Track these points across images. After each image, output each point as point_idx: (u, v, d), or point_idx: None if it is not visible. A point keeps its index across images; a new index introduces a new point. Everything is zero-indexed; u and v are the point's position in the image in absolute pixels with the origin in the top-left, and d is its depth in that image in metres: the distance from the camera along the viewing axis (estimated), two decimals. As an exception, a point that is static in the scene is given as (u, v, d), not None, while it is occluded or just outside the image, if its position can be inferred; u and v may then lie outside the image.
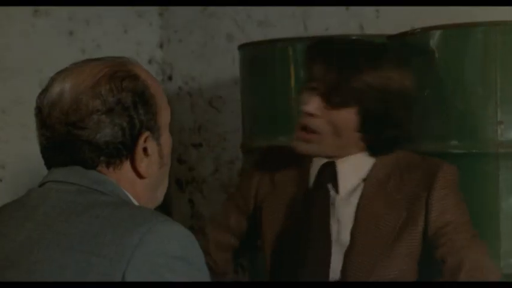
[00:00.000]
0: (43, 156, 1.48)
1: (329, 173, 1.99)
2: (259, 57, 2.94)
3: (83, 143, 1.41)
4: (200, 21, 3.90)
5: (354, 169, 1.98)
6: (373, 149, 1.98)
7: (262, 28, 3.68)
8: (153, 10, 4.04)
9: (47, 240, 1.36)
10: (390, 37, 2.68)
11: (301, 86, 2.02)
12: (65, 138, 1.42)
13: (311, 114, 1.94)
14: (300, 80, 2.85)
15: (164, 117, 1.49)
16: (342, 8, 3.39)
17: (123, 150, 1.43)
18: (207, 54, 3.87)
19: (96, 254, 1.31)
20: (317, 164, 2.02)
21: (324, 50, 1.97)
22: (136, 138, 1.43)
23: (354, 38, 2.15)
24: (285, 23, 3.58)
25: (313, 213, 1.97)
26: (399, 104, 1.93)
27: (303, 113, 1.96)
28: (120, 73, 1.43)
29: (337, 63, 1.91)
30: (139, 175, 1.46)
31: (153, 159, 1.46)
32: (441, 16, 3.02)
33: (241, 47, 3.05)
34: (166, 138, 1.50)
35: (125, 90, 1.42)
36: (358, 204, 1.96)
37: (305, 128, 1.95)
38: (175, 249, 1.33)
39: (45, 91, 1.46)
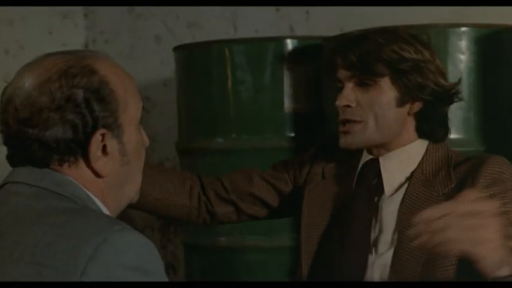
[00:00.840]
0: (7, 153, 1.44)
1: (372, 171, 1.89)
2: (195, 59, 2.96)
3: (33, 141, 1.36)
4: (127, 22, 3.90)
5: (400, 165, 1.88)
6: (423, 128, 1.88)
7: (191, 29, 3.70)
8: (78, 11, 4.02)
9: (1, 250, 1.31)
10: (326, 39, 2.75)
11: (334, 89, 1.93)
12: (17, 136, 1.38)
13: (347, 106, 1.86)
14: (237, 81, 2.90)
15: (130, 113, 1.42)
16: (272, 10, 3.45)
17: (76, 148, 1.37)
18: (134, 55, 3.87)
19: (48, 266, 1.27)
20: (363, 159, 1.92)
21: (339, 46, 1.90)
22: (90, 135, 1.37)
23: (365, 29, 2.00)
24: (214, 25, 3.61)
25: (354, 214, 1.88)
26: (431, 67, 1.84)
27: (339, 108, 1.86)
28: (73, 69, 1.37)
29: (357, 50, 1.83)
30: (97, 174, 1.40)
31: (114, 157, 1.40)
32: (369, 17, 3.12)
33: (177, 49, 3.07)
34: (131, 135, 1.43)
35: (75, 86, 1.36)
36: (402, 203, 1.85)
37: (346, 121, 1.86)
38: (131, 260, 1.28)
39: (8, 85, 1.42)
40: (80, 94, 1.36)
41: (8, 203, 1.38)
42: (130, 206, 1.56)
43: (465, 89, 2.50)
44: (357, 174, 1.93)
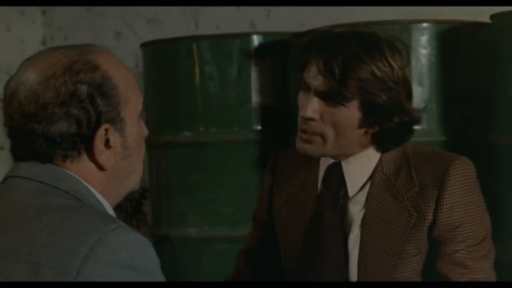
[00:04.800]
0: (10, 146, 1.44)
1: (335, 175, 1.91)
2: (163, 55, 3.03)
3: (38, 136, 1.37)
4: (86, 19, 3.93)
5: (361, 168, 1.90)
6: (380, 143, 1.89)
7: (151, 26, 3.75)
8: (36, 8, 4.04)
9: None
10: (295, 34, 2.85)
11: (297, 88, 1.92)
12: (23, 130, 1.38)
13: (310, 119, 1.84)
14: (205, 76, 2.97)
15: (131, 107, 1.43)
16: (233, 7, 3.52)
17: (80, 142, 1.38)
18: (94, 52, 3.90)
19: (44, 265, 1.26)
20: (324, 165, 1.94)
21: (316, 47, 1.85)
22: (94, 130, 1.38)
23: (342, 30, 1.94)
24: (175, 21, 3.66)
25: (325, 219, 1.90)
26: (401, 91, 1.84)
27: (301, 117, 1.85)
28: (77, 64, 1.38)
29: (332, 59, 1.81)
30: (100, 167, 1.41)
31: (116, 150, 1.41)
32: (328, 13, 3.21)
33: (145, 45, 3.13)
34: (132, 129, 1.44)
35: (79, 82, 1.37)
36: (366, 203, 1.89)
37: (306, 131, 1.86)
38: (125, 259, 1.28)
39: (10, 79, 1.42)
40: (83, 89, 1.37)
41: (7, 198, 1.39)
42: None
43: (427, 82, 2.63)
44: (320, 179, 1.96)
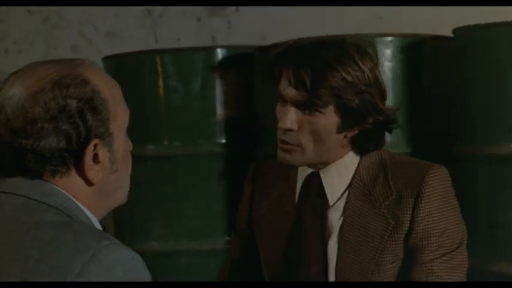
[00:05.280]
0: None
1: (314, 185, 1.93)
2: (127, 68, 3.02)
3: (27, 151, 1.35)
4: (42, 32, 3.90)
5: (340, 176, 1.92)
6: (359, 145, 1.91)
7: (110, 39, 3.73)
8: (-12, 22, 3.99)
9: None
10: (260, 48, 2.86)
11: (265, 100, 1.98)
12: (10, 145, 1.36)
13: (289, 130, 1.86)
14: (169, 89, 2.97)
15: (120, 122, 1.43)
16: (194, 19, 3.53)
17: (70, 158, 1.37)
18: (50, 64, 3.87)
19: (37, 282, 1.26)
20: (302, 175, 1.96)
21: (289, 58, 1.87)
22: (84, 145, 1.37)
23: (310, 40, 1.95)
24: (134, 34, 3.65)
25: (305, 228, 1.92)
26: (374, 92, 1.86)
27: (280, 129, 1.87)
28: (66, 79, 1.36)
29: (306, 67, 1.82)
30: (88, 182, 1.40)
31: (104, 165, 1.41)
32: (289, 27, 3.24)
33: (107, 59, 3.12)
34: (120, 143, 1.43)
35: (69, 97, 1.35)
36: (344, 211, 1.91)
37: (285, 141, 1.87)
38: (119, 276, 1.27)
39: None
40: (73, 104, 1.36)
41: None
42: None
43: (392, 94, 2.66)
44: (299, 190, 1.97)
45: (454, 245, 1.89)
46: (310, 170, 1.95)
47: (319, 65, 1.82)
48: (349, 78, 1.83)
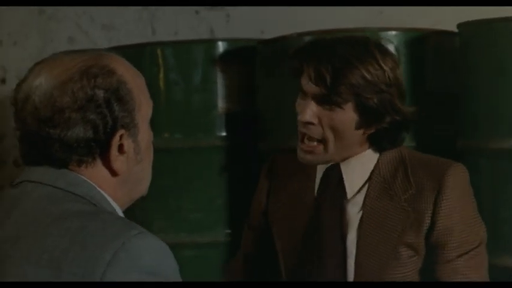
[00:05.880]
0: (19, 149, 1.43)
1: (334, 177, 1.95)
2: (128, 60, 3.00)
3: (54, 140, 1.37)
4: (38, 23, 3.87)
5: (359, 169, 1.93)
6: (377, 143, 1.93)
7: (106, 31, 3.71)
8: (-18, 13, 3.97)
9: (17, 251, 1.31)
10: (262, 41, 2.86)
11: (291, 94, 1.96)
12: (37, 134, 1.38)
13: (309, 123, 1.88)
14: (169, 82, 2.96)
15: (144, 112, 1.45)
16: (192, 12, 3.51)
17: (96, 148, 1.39)
18: (46, 56, 3.84)
19: (66, 271, 1.27)
20: (321, 168, 1.97)
21: (310, 54, 1.89)
22: (110, 135, 1.39)
23: (334, 36, 1.94)
24: (131, 27, 3.63)
25: (324, 221, 1.94)
26: (393, 92, 1.88)
27: (300, 122, 1.89)
28: (94, 69, 1.38)
29: (327, 64, 1.84)
30: (114, 172, 1.42)
31: (129, 156, 1.42)
32: (289, 20, 3.24)
33: (108, 51, 3.09)
34: (144, 134, 1.45)
35: (97, 87, 1.37)
36: (364, 205, 1.92)
37: (306, 137, 1.90)
38: (148, 265, 1.29)
39: (21, 82, 1.41)
40: (100, 94, 1.38)
41: (23, 204, 1.37)
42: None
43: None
44: (318, 183, 1.98)
45: (476, 241, 1.91)
46: (330, 163, 1.95)
47: (340, 62, 1.84)
48: (369, 76, 1.84)
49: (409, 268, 1.91)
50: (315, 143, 1.90)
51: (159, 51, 2.95)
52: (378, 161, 1.94)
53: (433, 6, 3.08)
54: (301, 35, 2.65)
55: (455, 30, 2.67)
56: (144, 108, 1.45)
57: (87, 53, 1.43)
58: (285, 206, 2.03)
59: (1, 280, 1.30)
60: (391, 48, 1.93)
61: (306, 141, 1.91)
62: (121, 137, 1.40)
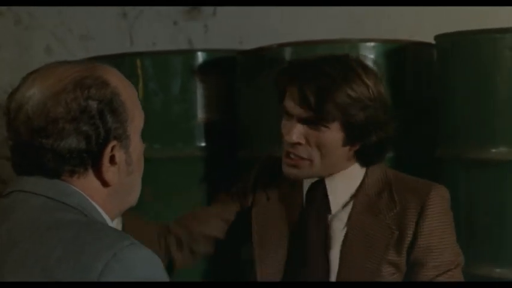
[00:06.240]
0: (11, 159, 1.42)
1: (319, 192, 1.96)
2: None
3: (47, 151, 1.36)
4: (14, 33, 3.86)
5: (344, 185, 1.95)
6: (362, 159, 1.95)
7: (84, 42, 3.71)
8: (-41, 23, 3.94)
9: (13, 258, 1.31)
10: (242, 52, 2.87)
11: (279, 114, 1.96)
12: (30, 144, 1.37)
13: (296, 143, 1.89)
14: (149, 92, 2.96)
15: (136, 124, 1.45)
16: (170, 23, 3.52)
17: (88, 158, 1.38)
18: (22, 66, 3.83)
19: (59, 280, 1.26)
20: (307, 181, 1.99)
21: (292, 75, 1.90)
22: (102, 147, 1.39)
23: (316, 57, 1.94)
24: (109, 37, 3.63)
25: (308, 234, 1.95)
26: (378, 106, 1.89)
27: (287, 142, 1.90)
28: (88, 80, 1.38)
29: (311, 84, 1.85)
30: (105, 183, 1.41)
31: (120, 167, 1.42)
32: (267, 31, 3.26)
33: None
34: (136, 146, 1.45)
35: (91, 98, 1.37)
36: (348, 222, 1.94)
37: (291, 154, 1.91)
38: (139, 275, 1.29)
39: (14, 92, 1.40)
40: (94, 105, 1.37)
41: (16, 213, 1.37)
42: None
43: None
44: (305, 194, 2.00)
45: (454, 263, 1.94)
46: (316, 178, 1.97)
47: (324, 82, 1.84)
48: (353, 94, 1.85)
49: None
50: (301, 158, 1.90)
51: (138, 62, 2.96)
52: (363, 180, 1.97)
53: (411, 18, 3.11)
54: (281, 45, 2.67)
55: (433, 41, 2.70)
56: (136, 120, 1.45)
57: (81, 63, 1.43)
58: (269, 211, 2.04)
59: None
60: (370, 62, 1.94)
61: (291, 155, 1.92)
62: (113, 148, 1.41)
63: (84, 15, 3.66)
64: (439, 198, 1.95)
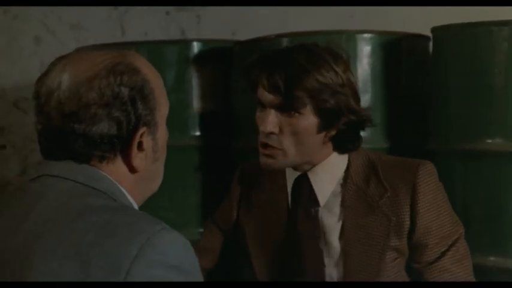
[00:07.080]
0: (39, 143, 1.43)
1: (304, 186, 1.98)
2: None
3: (78, 136, 1.38)
4: (2, 23, 3.84)
5: (328, 176, 1.97)
6: (339, 146, 1.97)
7: (75, 31, 3.70)
8: None
9: (42, 246, 1.31)
10: (239, 43, 2.88)
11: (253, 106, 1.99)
12: (61, 129, 1.38)
13: (271, 133, 1.91)
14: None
15: (163, 112, 1.47)
16: (162, 13, 3.52)
17: (118, 144, 1.40)
18: (11, 55, 3.82)
19: (94, 265, 1.27)
20: (291, 177, 2.01)
21: (262, 65, 1.92)
22: (132, 133, 1.41)
23: (286, 46, 1.98)
24: (100, 27, 3.62)
25: (300, 230, 1.97)
26: (347, 92, 1.91)
27: (262, 133, 1.93)
28: (120, 66, 1.40)
29: (280, 71, 1.87)
30: (132, 169, 1.43)
31: (147, 154, 1.44)
32: (260, 22, 3.27)
33: (80, 50, 3.09)
34: (162, 133, 1.48)
35: (123, 84, 1.39)
36: (342, 214, 1.95)
37: (267, 145, 1.93)
38: (172, 260, 1.30)
39: (44, 76, 1.42)
40: (126, 92, 1.39)
41: (45, 198, 1.38)
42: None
43: (371, 90, 2.71)
44: (290, 192, 2.02)
45: (455, 235, 1.96)
46: (298, 173, 1.99)
47: (292, 68, 1.87)
48: (323, 79, 1.88)
49: (394, 270, 1.96)
50: (274, 148, 1.92)
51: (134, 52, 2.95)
52: (347, 169, 1.98)
53: (404, 11, 3.13)
54: (279, 36, 2.68)
55: (429, 34, 2.73)
56: (163, 108, 1.48)
57: (111, 50, 1.45)
58: (257, 216, 2.06)
59: (26, 274, 1.30)
60: (343, 52, 1.96)
61: (266, 146, 1.93)
62: (142, 134, 1.43)
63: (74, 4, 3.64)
64: (427, 175, 1.97)
